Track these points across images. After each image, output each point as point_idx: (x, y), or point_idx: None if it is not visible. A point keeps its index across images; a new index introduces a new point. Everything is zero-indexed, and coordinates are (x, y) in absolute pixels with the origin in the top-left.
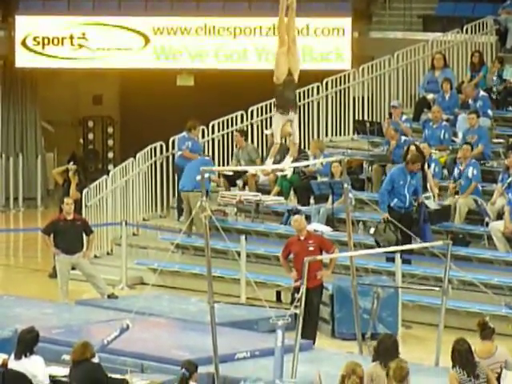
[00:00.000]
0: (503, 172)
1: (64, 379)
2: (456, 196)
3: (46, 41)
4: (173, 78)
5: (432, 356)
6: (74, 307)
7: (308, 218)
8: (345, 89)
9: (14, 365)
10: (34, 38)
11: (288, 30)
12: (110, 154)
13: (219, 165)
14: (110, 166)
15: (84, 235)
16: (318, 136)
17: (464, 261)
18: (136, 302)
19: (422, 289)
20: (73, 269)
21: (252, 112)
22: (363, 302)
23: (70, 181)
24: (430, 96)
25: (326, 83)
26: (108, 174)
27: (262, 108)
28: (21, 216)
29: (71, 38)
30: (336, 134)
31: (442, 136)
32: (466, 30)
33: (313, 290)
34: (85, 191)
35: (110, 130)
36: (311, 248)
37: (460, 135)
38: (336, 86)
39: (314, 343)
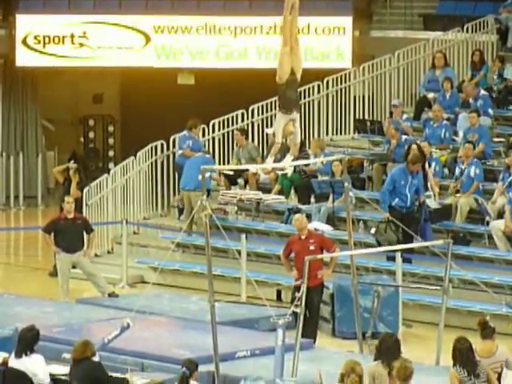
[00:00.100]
0: (504, 171)
1: (64, 378)
2: (457, 195)
3: (46, 39)
4: (173, 77)
5: (432, 355)
6: (75, 306)
7: (308, 217)
8: (345, 88)
9: (14, 363)
10: (35, 37)
11: (291, 30)
12: (111, 153)
13: (219, 163)
14: (111, 165)
15: (84, 234)
16: (319, 135)
17: (464, 260)
18: (136, 301)
19: (423, 288)
20: (73, 267)
21: (252, 111)
22: (364, 300)
23: (70, 179)
24: (430, 95)
25: (327, 82)
26: (108, 173)
27: (262, 107)
28: (21, 214)
29: (72, 36)
30: (336, 133)
31: (442, 135)
32: (467, 28)
33: (313, 289)
34: (85, 190)
35: (111, 128)
36: (312, 247)
37: (461, 134)
38: (336, 85)
39: (314, 342)
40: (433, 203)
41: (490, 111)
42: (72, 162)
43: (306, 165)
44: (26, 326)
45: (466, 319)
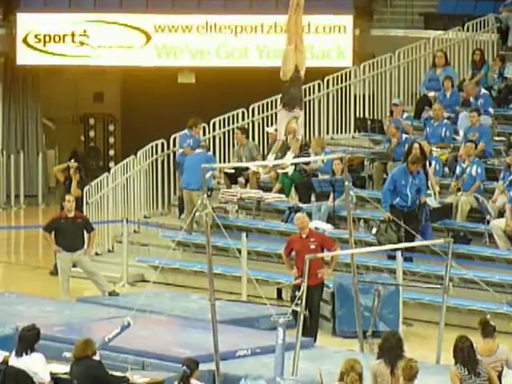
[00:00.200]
0: (504, 170)
1: (65, 376)
2: (458, 193)
3: (47, 38)
4: (174, 76)
5: (433, 354)
6: (75, 304)
7: (309, 216)
8: (346, 86)
9: (14, 362)
10: (36, 36)
11: (296, 28)
12: (111, 152)
13: (220, 162)
14: (111, 164)
15: (85, 232)
16: (319, 134)
17: (465, 259)
18: (137, 300)
19: (423, 286)
20: (74, 266)
21: (253, 109)
22: (364, 299)
23: (71, 178)
24: (431, 94)
25: (327, 81)
26: (109, 172)
27: (263, 105)
28: (22, 213)
29: (72, 35)
30: (337, 132)
31: (443, 134)
32: (468, 27)
33: (314, 288)
34: (86, 188)
35: (111, 127)
36: (313, 246)
37: (461, 133)
38: (337, 84)
39: (314, 341)
40: (433, 202)
41: (491, 110)
42: (72, 160)
43: (307, 163)
44: (27, 325)
45: (467, 318)
